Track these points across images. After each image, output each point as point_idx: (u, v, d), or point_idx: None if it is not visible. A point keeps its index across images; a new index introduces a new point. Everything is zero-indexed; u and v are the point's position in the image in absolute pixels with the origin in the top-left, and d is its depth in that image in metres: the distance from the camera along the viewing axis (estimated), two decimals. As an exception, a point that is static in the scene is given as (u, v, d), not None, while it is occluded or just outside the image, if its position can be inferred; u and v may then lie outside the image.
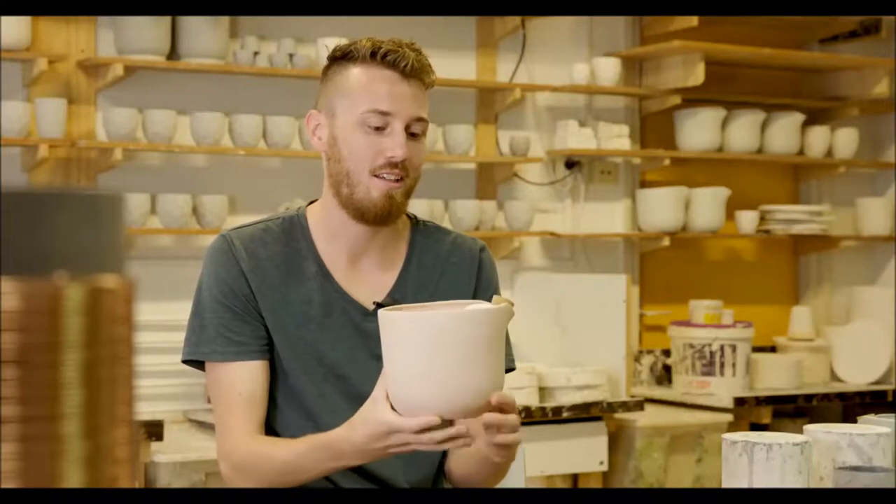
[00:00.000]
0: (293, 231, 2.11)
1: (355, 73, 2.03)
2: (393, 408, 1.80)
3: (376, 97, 2.00)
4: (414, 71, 2.01)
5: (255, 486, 1.98)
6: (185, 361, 2.10)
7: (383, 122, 2.01)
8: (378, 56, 2.01)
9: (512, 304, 1.82)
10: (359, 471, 2.05)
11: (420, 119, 2.03)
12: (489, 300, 1.90)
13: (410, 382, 1.76)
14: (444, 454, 2.13)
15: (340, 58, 2.05)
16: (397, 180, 2.01)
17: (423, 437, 1.78)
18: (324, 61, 2.11)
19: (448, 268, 2.14)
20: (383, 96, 2.00)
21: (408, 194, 2.06)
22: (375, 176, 2.01)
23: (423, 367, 1.74)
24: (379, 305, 2.03)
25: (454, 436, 1.78)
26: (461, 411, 1.76)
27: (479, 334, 1.74)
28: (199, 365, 2.09)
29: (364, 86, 2.01)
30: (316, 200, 2.14)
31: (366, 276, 2.10)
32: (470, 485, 2.11)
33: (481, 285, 2.14)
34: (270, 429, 2.06)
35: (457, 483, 2.13)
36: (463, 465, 2.10)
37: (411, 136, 2.03)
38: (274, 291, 2.06)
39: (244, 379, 2.03)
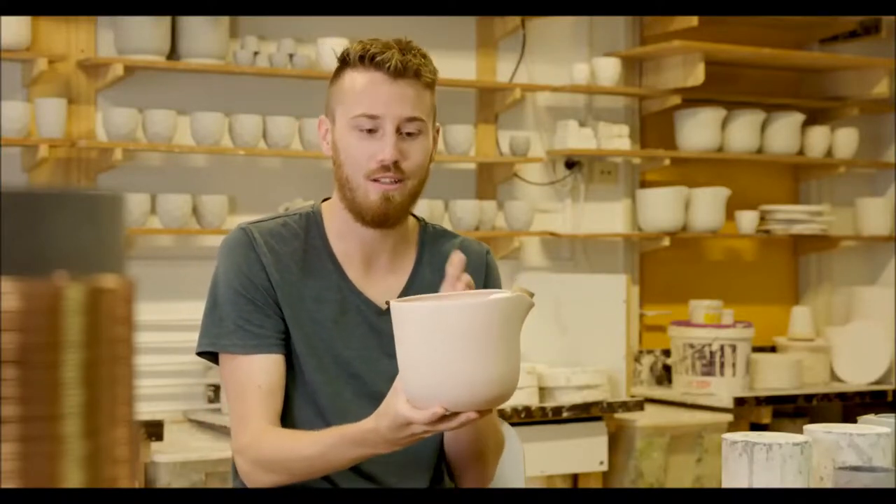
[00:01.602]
0: (310, 228, 2.12)
1: (348, 78, 2.04)
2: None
3: (365, 101, 2.01)
4: (400, 71, 2.00)
5: (279, 479, 1.98)
6: (199, 354, 2.09)
7: (374, 125, 2.01)
8: (366, 59, 2.01)
9: (531, 295, 1.79)
10: (358, 471, 2.05)
11: (413, 118, 2.02)
12: None
13: (416, 374, 1.75)
14: (442, 453, 2.13)
15: (340, 62, 2.07)
16: (393, 182, 2.02)
17: (438, 426, 1.78)
18: (324, 61, 2.11)
19: None
20: (371, 99, 2.01)
21: (412, 195, 2.06)
22: (373, 180, 2.02)
23: (428, 358, 1.73)
24: None
25: (465, 422, 1.78)
26: (467, 404, 1.75)
27: (484, 325, 1.72)
28: (211, 357, 2.09)
29: (354, 90, 2.02)
30: (329, 198, 2.14)
31: (378, 276, 2.10)
32: (463, 458, 2.10)
33: (489, 287, 2.15)
34: (282, 423, 2.05)
35: (454, 461, 2.13)
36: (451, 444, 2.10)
37: (408, 135, 2.03)
38: (292, 287, 2.06)
39: (263, 371, 2.02)
